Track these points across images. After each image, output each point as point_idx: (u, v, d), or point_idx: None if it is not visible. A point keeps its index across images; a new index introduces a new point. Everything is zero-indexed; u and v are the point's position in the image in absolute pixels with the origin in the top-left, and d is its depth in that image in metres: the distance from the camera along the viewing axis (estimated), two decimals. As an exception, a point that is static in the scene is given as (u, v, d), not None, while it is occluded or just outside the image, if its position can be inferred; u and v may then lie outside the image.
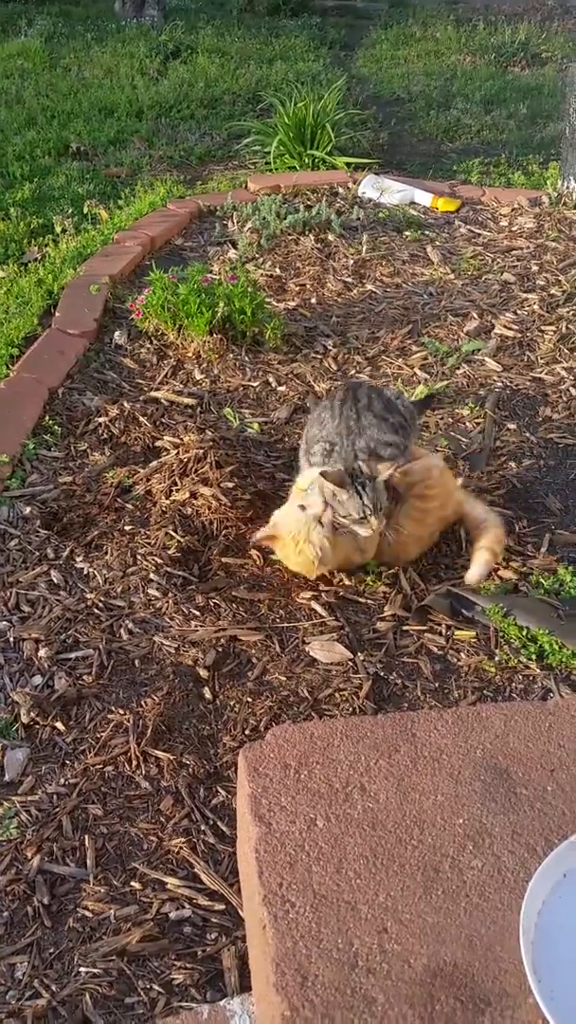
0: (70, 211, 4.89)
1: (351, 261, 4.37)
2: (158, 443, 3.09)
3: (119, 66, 7.46)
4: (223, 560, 2.65)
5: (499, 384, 3.48)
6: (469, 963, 1.06)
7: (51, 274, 4.13)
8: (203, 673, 2.31)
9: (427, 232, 4.68)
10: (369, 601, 2.52)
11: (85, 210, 4.86)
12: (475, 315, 3.92)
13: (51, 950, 1.75)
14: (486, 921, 1.09)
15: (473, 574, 2.54)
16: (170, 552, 2.65)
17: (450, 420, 3.26)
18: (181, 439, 3.06)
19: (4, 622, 2.44)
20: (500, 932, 1.08)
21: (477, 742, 1.31)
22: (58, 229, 4.65)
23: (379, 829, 1.19)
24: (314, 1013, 1.00)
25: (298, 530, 2.44)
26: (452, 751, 1.30)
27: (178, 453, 2.96)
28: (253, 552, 2.66)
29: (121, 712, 2.20)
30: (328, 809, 1.22)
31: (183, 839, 1.93)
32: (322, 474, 2.38)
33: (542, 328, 3.82)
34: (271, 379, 3.50)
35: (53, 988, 1.68)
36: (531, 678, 2.29)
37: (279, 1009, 1.01)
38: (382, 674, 2.31)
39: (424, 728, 1.34)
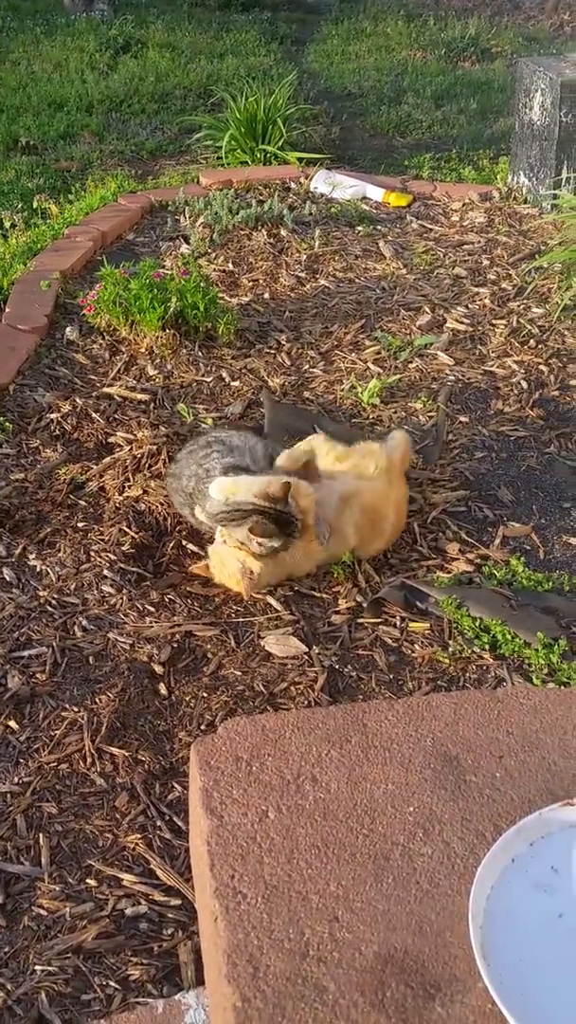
0: (19, 206, 4.84)
1: (304, 256, 4.37)
2: (111, 439, 3.08)
3: (69, 60, 7.39)
4: (177, 555, 2.64)
5: (451, 378, 3.50)
6: (419, 949, 1.07)
7: (0, 270, 4.09)
8: (158, 669, 2.30)
9: (379, 227, 4.70)
10: (324, 595, 2.53)
11: (35, 205, 4.82)
12: (427, 309, 3.95)
13: (6, 949, 1.74)
14: (436, 907, 1.10)
15: None
16: (124, 548, 2.64)
17: (403, 414, 3.28)
18: (134, 435, 3.05)
19: (-44, 621, 2.41)
20: (450, 918, 1.09)
21: (427, 731, 1.32)
22: (7, 224, 4.61)
23: (330, 819, 1.20)
24: (265, 1003, 1.01)
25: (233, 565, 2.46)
26: (402, 740, 1.31)
27: (131, 449, 2.95)
28: (207, 548, 2.66)
29: (75, 710, 2.19)
30: (280, 800, 1.22)
31: (139, 835, 1.93)
32: (251, 530, 2.40)
33: (493, 322, 3.85)
34: (225, 374, 3.50)
35: (8, 987, 1.67)
36: (484, 668, 2.32)
37: (231, 1000, 1.01)
38: (337, 667, 2.32)
39: (375, 718, 1.34)
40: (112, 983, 1.68)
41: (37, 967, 1.70)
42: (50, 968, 1.70)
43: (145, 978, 1.69)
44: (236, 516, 2.44)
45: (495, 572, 2.57)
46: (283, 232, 4.57)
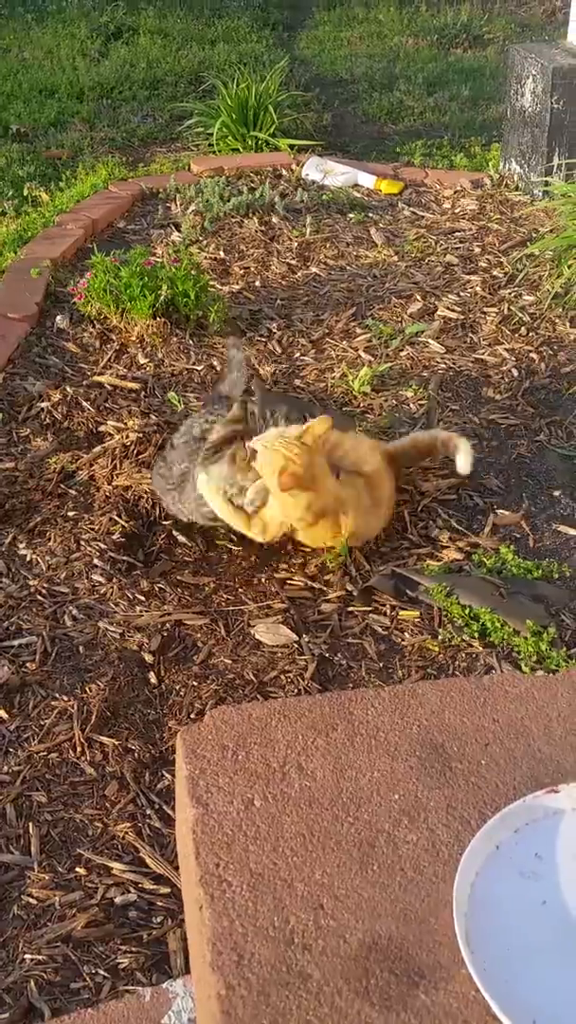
0: (10, 193, 4.81)
1: (295, 244, 4.36)
2: (102, 428, 3.07)
3: (60, 47, 7.35)
4: (168, 544, 2.64)
5: (442, 366, 3.50)
6: (404, 936, 1.07)
7: (-9, 258, 4.08)
8: (148, 658, 2.30)
9: (371, 214, 4.68)
10: (314, 584, 2.53)
11: (25, 192, 4.79)
12: (418, 297, 3.94)
13: (-5, 938, 1.74)
14: (420, 895, 1.11)
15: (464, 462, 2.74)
16: (114, 537, 2.64)
17: (394, 402, 3.28)
18: (125, 424, 3.04)
19: (-55, 611, 2.41)
20: (434, 905, 1.10)
21: (413, 719, 1.32)
22: (-3, 212, 4.59)
23: (316, 807, 1.20)
24: (250, 991, 1.01)
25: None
26: (389, 728, 1.31)
27: (122, 438, 2.95)
28: (197, 536, 2.65)
29: (65, 699, 2.19)
30: (265, 789, 1.22)
31: (128, 824, 1.94)
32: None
33: (484, 310, 3.84)
34: (216, 362, 3.49)
35: (-3, 976, 1.68)
36: (474, 656, 2.32)
37: (215, 988, 1.01)
38: (327, 655, 2.32)
39: (361, 706, 1.35)
40: (101, 971, 1.69)
41: (26, 956, 1.71)
42: (39, 957, 1.71)
43: (134, 966, 1.69)
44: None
45: (485, 560, 2.57)
46: (274, 219, 4.56)
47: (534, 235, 4.39)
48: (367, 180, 4.98)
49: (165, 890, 1.82)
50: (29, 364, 3.44)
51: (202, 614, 2.43)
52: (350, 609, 2.45)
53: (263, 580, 2.53)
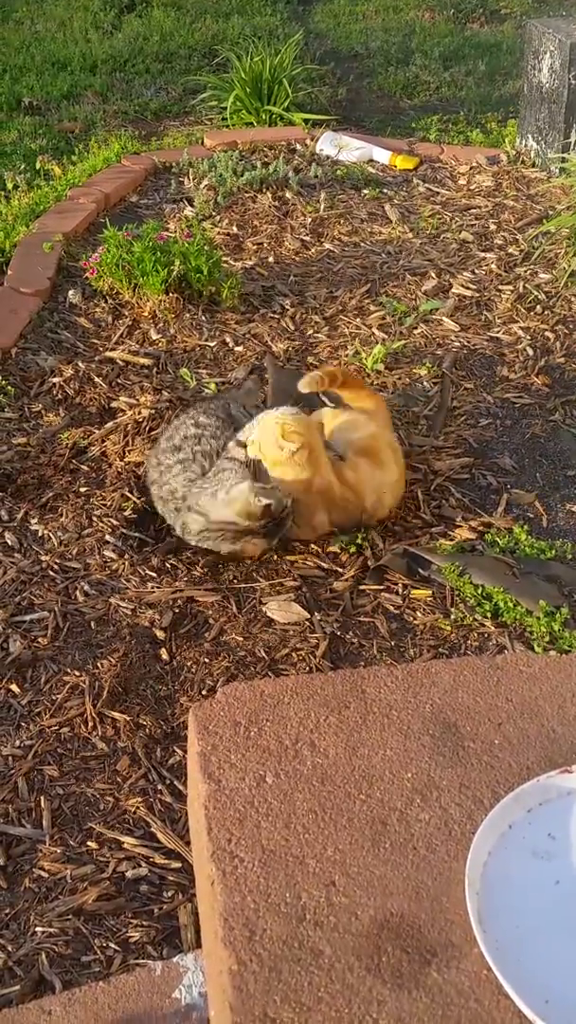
0: (22, 167, 4.79)
1: (309, 219, 4.33)
2: (113, 404, 3.06)
3: (72, 19, 7.29)
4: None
5: (456, 344, 3.47)
6: (415, 914, 1.07)
7: (2, 231, 4.05)
8: (160, 634, 2.30)
9: (385, 190, 4.64)
10: (326, 562, 2.52)
11: (38, 166, 4.77)
12: (433, 274, 3.91)
13: (7, 911, 1.75)
14: (433, 873, 1.10)
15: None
16: (126, 513, 2.63)
17: (408, 380, 3.26)
18: (137, 400, 3.03)
19: (-43, 585, 2.41)
20: (446, 883, 1.09)
21: (426, 697, 1.32)
22: (10, 185, 4.56)
23: (328, 784, 1.20)
24: (261, 967, 1.01)
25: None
26: (402, 706, 1.30)
27: (134, 414, 2.94)
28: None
29: (77, 674, 2.20)
30: (278, 765, 1.22)
31: (140, 799, 1.94)
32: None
33: (499, 287, 3.81)
34: (228, 339, 3.47)
35: (9, 948, 1.69)
36: (486, 636, 2.31)
37: (227, 963, 1.01)
38: (339, 633, 2.32)
39: (374, 684, 1.34)
40: (112, 945, 1.69)
41: (38, 929, 1.72)
42: (51, 930, 1.72)
43: (145, 940, 1.70)
44: (226, 536, 2.45)
45: (498, 540, 2.56)
46: (288, 195, 4.52)
47: (550, 212, 4.35)
48: (382, 155, 4.94)
49: (176, 864, 1.82)
50: (41, 339, 3.43)
51: (214, 591, 2.42)
52: (362, 588, 2.45)
53: (275, 558, 2.52)
